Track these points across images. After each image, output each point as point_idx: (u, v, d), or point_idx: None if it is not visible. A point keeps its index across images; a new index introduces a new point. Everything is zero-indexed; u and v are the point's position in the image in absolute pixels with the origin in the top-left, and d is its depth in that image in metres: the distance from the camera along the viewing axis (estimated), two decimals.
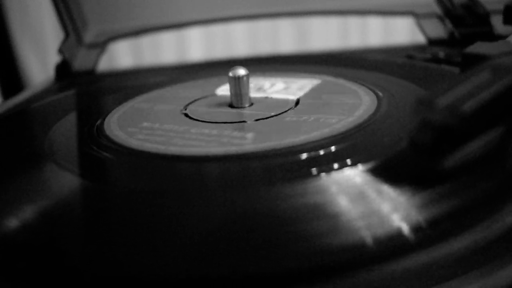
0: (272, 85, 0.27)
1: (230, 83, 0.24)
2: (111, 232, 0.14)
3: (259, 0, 0.42)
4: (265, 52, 0.46)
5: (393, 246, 0.12)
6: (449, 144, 0.14)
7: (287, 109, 0.23)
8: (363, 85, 0.25)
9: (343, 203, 0.14)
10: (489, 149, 0.15)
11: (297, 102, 0.24)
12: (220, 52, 0.64)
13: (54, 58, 0.45)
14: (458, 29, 0.37)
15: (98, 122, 0.24)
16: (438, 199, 0.13)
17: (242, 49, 0.64)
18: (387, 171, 0.15)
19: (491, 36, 0.34)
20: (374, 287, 0.11)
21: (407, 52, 0.34)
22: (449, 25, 0.38)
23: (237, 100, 0.24)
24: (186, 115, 0.24)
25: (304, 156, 0.17)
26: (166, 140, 0.20)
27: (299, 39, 0.65)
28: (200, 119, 0.23)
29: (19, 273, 0.13)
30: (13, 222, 0.15)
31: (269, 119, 0.22)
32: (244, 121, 0.22)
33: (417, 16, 0.40)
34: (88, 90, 0.34)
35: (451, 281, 0.11)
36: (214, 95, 0.27)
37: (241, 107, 0.24)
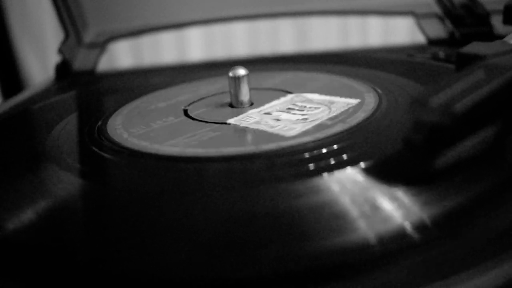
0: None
1: (230, 83, 0.24)
2: (112, 232, 0.14)
3: (259, 0, 0.42)
4: (265, 52, 0.46)
5: (393, 244, 0.12)
6: (442, 143, 0.14)
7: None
8: (365, 83, 0.25)
9: (343, 202, 0.14)
10: (484, 148, 0.15)
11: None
12: (220, 52, 0.64)
13: (54, 58, 0.45)
14: (458, 29, 0.37)
15: (100, 123, 0.24)
16: (435, 198, 0.13)
17: (242, 49, 0.64)
18: (386, 170, 0.15)
19: (491, 36, 0.34)
20: (374, 284, 0.11)
21: (407, 52, 0.34)
22: (449, 25, 0.38)
23: (237, 100, 0.24)
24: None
25: (303, 156, 0.17)
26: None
27: (299, 39, 0.65)
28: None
29: (21, 273, 0.13)
30: (15, 222, 0.15)
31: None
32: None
33: (417, 16, 0.40)
34: (90, 91, 0.34)
35: (450, 279, 0.11)
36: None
37: (241, 107, 0.24)
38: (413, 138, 0.15)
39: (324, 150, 0.17)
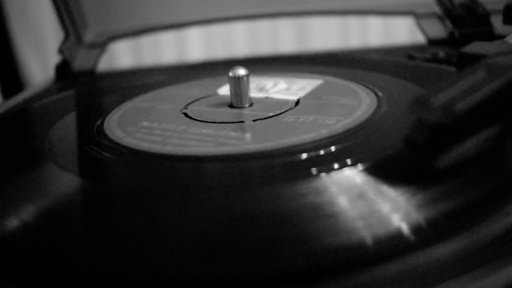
0: (274, 85, 0.27)
1: (230, 83, 0.24)
2: (110, 231, 0.14)
3: (259, 0, 0.42)
4: (265, 52, 0.46)
5: (391, 246, 0.12)
6: (443, 143, 0.14)
7: (286, 110, 0.23)
8: (363, 85, 0.25)
9: (340, 203, 0.14)
10: (485, 148, 0.15)
11: (297, 102, 0.24)
12: (220, 52, 0.64)
13: (54, 58, 0.45)
14: (458, 29, 0.37)
15: (98, 122, 0.24)
16: (436, 199, 0.13)
17: (242, 49, 0.64)
18: (385, 171, 0.15)
19: (491, 36, 0.34)
20: (372, 287, 0.11)
21: (407, 52, 0.34)
22: (449, 25, 0.38)
23: (237, 100, 0.24)
24: (186, 114, 0.24)
25: (301, 156, 0.17)
26: (164, 139, 0.20)
27: (299, 39, 0.65)
28: (200, 119, 0.23)
29: (19, 272, 0.13)
30: (13, 222, 0.15)
31: (268, 119, 0.22)
32: (242, 121, 0.22)
33: (417, 16, 0.40)
34: (89, 90, 0.34)
35: (450, 282, 0.11)
36: (215, 94, 0.27)
37: (241, 107, 0.24)
38: (414, 138, 0.15)
39: (319, 152, 0.17)
